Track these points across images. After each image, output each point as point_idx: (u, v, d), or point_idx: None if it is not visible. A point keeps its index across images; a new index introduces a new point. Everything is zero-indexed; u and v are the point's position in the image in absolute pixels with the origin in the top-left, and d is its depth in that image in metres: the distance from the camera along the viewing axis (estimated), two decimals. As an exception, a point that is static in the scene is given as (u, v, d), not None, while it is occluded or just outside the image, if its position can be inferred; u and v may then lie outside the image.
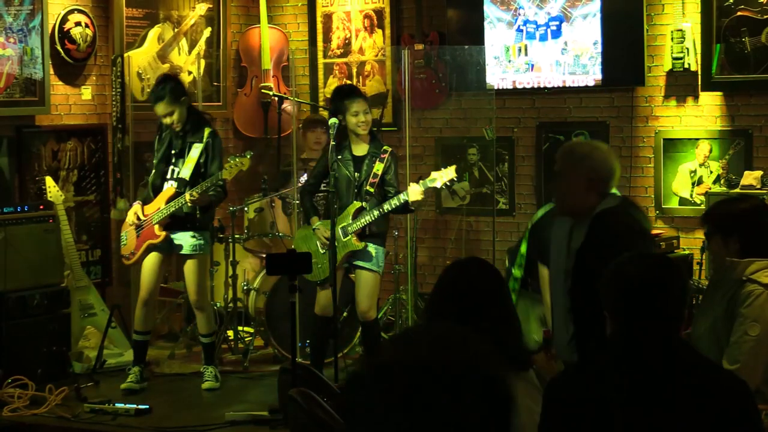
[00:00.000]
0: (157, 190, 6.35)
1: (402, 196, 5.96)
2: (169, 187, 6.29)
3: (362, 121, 6.05)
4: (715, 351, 3.67)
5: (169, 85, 6.25)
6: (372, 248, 6.13)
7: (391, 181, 6.13)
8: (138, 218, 6.33)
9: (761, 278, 3.61)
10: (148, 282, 6.37)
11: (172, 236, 6.29)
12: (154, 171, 6.42)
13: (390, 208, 6.01)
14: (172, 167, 6.32)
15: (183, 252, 6.34)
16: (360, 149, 6.14)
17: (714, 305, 3.76)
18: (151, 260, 6.35)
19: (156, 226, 6.25)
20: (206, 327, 6.48)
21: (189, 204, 6.14)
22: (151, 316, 6.50)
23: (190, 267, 6.38)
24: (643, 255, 3.13)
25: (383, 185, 6.11)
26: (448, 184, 6.13)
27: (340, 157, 6.09)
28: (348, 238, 6.08)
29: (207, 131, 6.28)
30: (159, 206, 6.27)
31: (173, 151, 6.30)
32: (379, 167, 6.08)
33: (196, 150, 6.24)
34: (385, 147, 6.18)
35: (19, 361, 6.28)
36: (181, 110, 6.21)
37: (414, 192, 5.93)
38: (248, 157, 6.20)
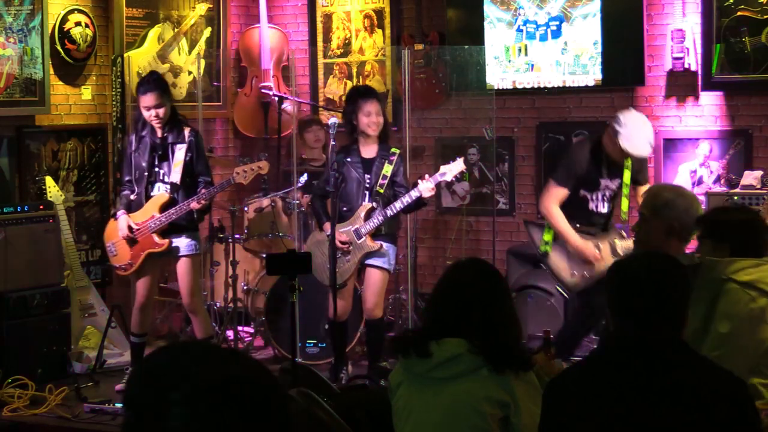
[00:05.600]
0: (143, 196, 6.20)
1: (413, 193, 6.03)
2: (161, 194, 6.17)
3: (373, 122, 6.08)
4: (696, 349, 3.68)
5: (162, 79, 6.26)
6: (385, 247, 6.19)
7: (401, 182, 6.19)
8: (131, 230, 6.20)
9: (740, 277, 3.62)
10: (146, 288, 6.33)
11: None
12: (134, 179, 6.22)
13: (402, 206, 6.08)
14: (157, 169, 6.19)
15: (180, 254, 6.26)
16: (369, 151, 6.15)
17: (697, 303, 3.77)
18: (147, 266, 6.31)
19: (155, 235, 6.17)
20: (203, 331, 6.34)
21: (202, 210, 6.16)
22: (147, 319, 6.46)
23: (184, 268, 6.26)
24: (647, 254, 3.13)
25: (393, 186, 6.16)
26: (458, 176, 6.20)
27: (349, 159, 6.10)
28: (362, 240, 6.11)
29: (187, 130, 6.21)
30: (153, 214, 6.15)
31: (157, 154, 6.17)
32: (388, 169, 6.13)
33: (181, 152, 6.14)
34: (393, 149, 6.21)
35: (19, 361, 6.28)
36: (168, 107, 6.12)
37: (426, 188, 5.99)
38: (264, 160, 6.27)
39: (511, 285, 7.13)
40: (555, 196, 5.92)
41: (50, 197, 6.90)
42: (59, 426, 5.74)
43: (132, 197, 6.25)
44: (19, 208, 6.60)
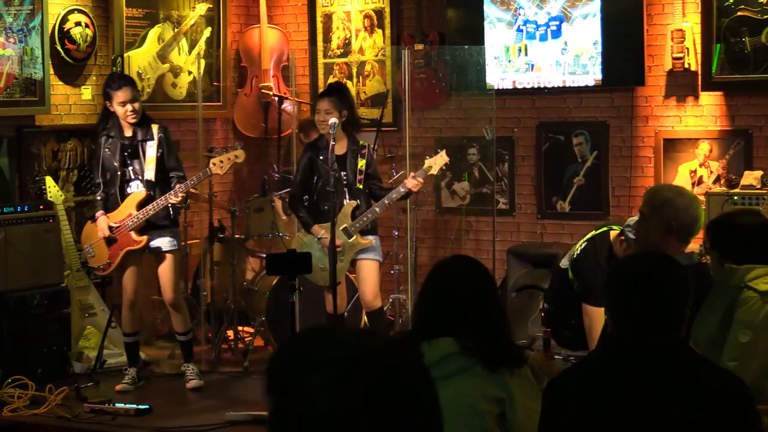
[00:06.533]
0: (117, 195, 6.23)
1: (401, 189, 6.16)
2: (138, 191, 6.21)
3: (321, 120, 6.11)
4: (712, 356, 3.67)
5: (128, 75, 6.43)
6: (373, 239, 6.29)
7: (374, 174, 6.32)
8: (110, 229, 6.24)
9: (759, 285, 3.60)
10: (132, 285, 6.35)
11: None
12: (106, 180, 6.23)
13: (390, 202, 6.21)
14: (130, 168, 6.22)
15: (162, 251, 6.28)
16: (340, 147, 6.18)
17: (713, 311, 3.76)
18: (129, 264, 6.32)
19: (133, 233, 6.20)
20: (183, 325, 6.46)
21: (178, 205, 6.22)
22: (137, 317, 6.50)
23: (167, 265, 6.30)
24: (646, 254, 3.13)
25: (368, 179, 6.26)
26: (443, 168, 6.34)
27: (322, 158, 6.13)
28: (353, 238, 6.15)
29: (155, 127, 6.26)
30: (130, 212, 6.18)
31: (126, 152, 6.20)
32: (362, 163, 6.23)
33: (152, 149, 6.19)
34: (362, 142, 6.28)
35: (19, 361, 6.28)
36: (139, 100, 6.23)
37: (414, 184, 6.13)
38: (239, 149, 6.27)
39: (511, 285, 7.14)
40: (602, 319, 4.65)
41: (50, 197, 6.90)
42: (59, 426, 5.73)
43: (98, 197, 6.29)
44: (19, 208, 6.60)
